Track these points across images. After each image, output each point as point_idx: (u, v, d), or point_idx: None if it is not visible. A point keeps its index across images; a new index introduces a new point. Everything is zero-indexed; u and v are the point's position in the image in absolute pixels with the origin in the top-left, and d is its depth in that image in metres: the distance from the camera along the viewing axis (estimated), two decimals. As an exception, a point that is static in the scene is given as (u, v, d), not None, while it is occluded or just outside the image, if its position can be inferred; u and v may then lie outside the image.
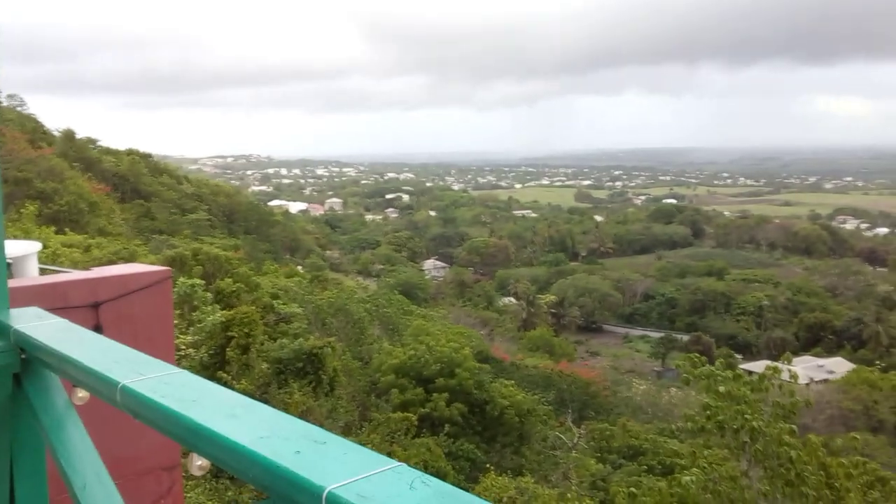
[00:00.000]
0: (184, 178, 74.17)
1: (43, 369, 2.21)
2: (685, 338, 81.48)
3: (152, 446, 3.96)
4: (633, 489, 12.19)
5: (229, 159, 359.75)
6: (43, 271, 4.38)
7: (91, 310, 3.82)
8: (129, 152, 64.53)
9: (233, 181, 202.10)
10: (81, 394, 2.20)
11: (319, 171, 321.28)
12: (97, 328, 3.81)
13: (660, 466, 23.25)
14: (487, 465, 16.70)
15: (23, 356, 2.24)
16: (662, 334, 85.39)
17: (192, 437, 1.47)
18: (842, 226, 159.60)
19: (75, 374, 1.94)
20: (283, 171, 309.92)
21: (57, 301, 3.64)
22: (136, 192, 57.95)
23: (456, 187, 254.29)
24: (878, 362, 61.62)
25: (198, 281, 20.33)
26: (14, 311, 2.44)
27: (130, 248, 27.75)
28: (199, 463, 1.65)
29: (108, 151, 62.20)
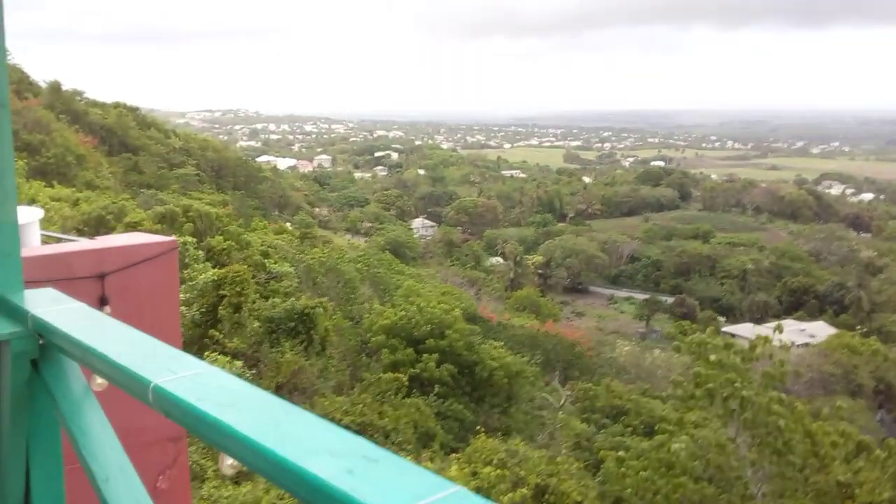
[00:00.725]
0: (171, 133, 73.34)
1: (61, 356, 2.16)
2: (669, 300, 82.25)
3: (157, 416, 3.91)
4: (621, 453, 12.37)
5: (217, 113, 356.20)
6: (45, 239, 4.29)
7: (96, 281, 3.75)
8: (116, 105, 63.65)
9: (221, 136, 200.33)
10: (100, 380, 2.15)
11: (308, 128, 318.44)
12: (102, 300, 3.76)
13: (643, 427, 23.62)
14: (478, 427, 16.88)
15: (41, 342, 2.19)
16: (647, 296, 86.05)
17: (232, 445, 1.39)
18: (827, 191, 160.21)
19: (101, 367, 1.88)
20: (272, 127, 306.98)
21: (61, 272, 3.57)
22: (123, 146, 57.29)
23: (445, 146, 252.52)
24: (859, 327, 62.46)
25: (189, 238, 20.22)
26: (29, 294, 2.37)
27: (119, 202, 27.46)
28: (230, 462, 1.61)
29: (95, 104, 61.35)
